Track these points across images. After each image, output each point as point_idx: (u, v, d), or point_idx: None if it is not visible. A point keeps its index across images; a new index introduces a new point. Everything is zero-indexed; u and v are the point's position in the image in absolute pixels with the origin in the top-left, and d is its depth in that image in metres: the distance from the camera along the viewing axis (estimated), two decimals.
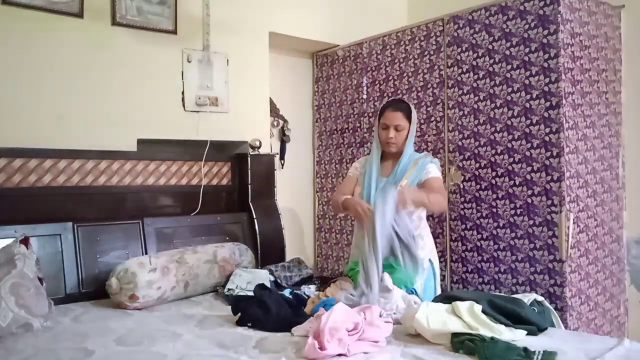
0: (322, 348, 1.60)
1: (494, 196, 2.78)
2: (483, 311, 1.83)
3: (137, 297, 2.26)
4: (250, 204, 3.17)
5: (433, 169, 2.44)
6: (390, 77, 3.35)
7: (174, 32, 3.05)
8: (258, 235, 3.11)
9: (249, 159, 3.18)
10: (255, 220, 3.13)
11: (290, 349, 1.70)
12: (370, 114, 3.48)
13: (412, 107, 2.54)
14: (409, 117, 2.46)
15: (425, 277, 2.41)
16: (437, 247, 3.03)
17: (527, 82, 2.65)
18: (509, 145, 2.72)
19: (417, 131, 3.14)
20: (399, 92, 3.28)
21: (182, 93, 3.09)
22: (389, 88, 3.36)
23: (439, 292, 2.49)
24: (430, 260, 2.46)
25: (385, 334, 1.77)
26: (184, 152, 3.10)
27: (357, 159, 2.77)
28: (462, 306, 1.83)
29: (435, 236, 3.04)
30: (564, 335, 1.93)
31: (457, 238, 2.95)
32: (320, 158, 3.86)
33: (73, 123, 2.72)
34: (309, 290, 2.46)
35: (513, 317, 1.86)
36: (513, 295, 2.35)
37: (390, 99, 3.07)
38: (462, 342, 1.66)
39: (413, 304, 2.00)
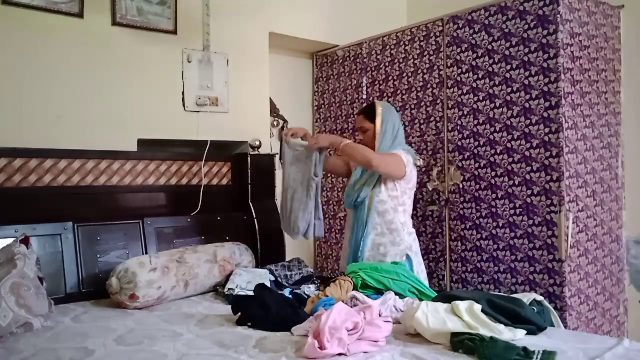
0: (322, 348, 1.60)
1: (494, 196, 2.78)
2: (483, 311, 1.83)
3: (138, 297, 2.26)
4: (250, 204, 3.17)
5: (397, 151, 2.56)
6: (390, 78, 3.35)
7: (174, 32, 3.05)
8: (258, 235, 3.12)
9: (249, 159, 3.18)
10: (255, 220, 3.13)
11: (290, 349, 1.70)
12: None
13: (380, 107, 2.64)
14: (371, 119, 2.62)
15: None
16: (436, 247, 3.05)
17: (526, 82, 2.66)
18: (509, 145, 2.73)
19: (417, 131, 3.15)
20: (399, 92, 3.28)
21: (183, 93, 3.10)
22: (389, 88, 3.36)
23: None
24: (407, 254, 2.56)
25: (385, 333, 1.77)
26: (184, 152, 3.10)
27: None
28: (462, 306, 1.83)
29: (435, 236, 3.06)
30: (564, 335, 1.93)
31: (456, 238, 2.96)
32: None
33: (73, 123, 2.73)
34: (309, 290, 2.47)
35: (513, 316, 1.86)
36: (513, 295, 2.36)
37: None
38: (462, 342, 1.67)
39: (412, 304, 2.00)
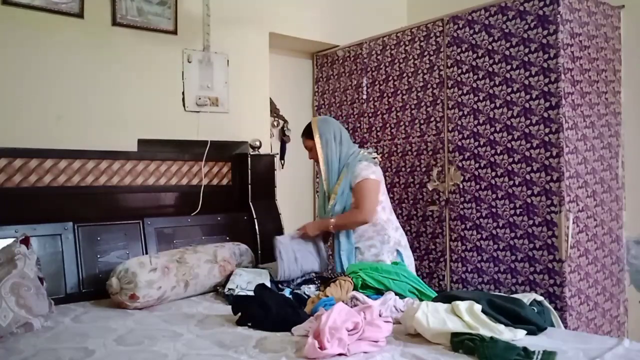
0: (322, 348, 1.60)
1: (494, 196, 2.78)
2: (483, 311, 1.83)
3: (138, 297, 2.26)
4: (250, 204, 3.17)
5: (359, 172, 2.58)
6: (390, 78, 3.35)
7: (174, 32, 3.05)
8: (258, 235, 3.12)
9: (249, 159, 3.18)
10: (255, 220, 3.13)
11: (290, 349, 1.70)
12: (370, 114, 3.49)
13: (315, 123, 2.70)
14: (311, 136, 2.70)
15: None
16: (436, 247, 3.06)
17: (526, 82, 2.66)
18: (509, 145, 2.73)
19: (417, 131, 3.16)
20: (399, 92, 3.28)
21: (183, 93, 3.10)
22: (388, 88, 3.36)
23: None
24: (397, 250, 2.61)
25: (385, 333, 1.77)
26: (184, 152, 3.10)
27: None
28: (462, 306, 1.83)
29: (435, 236, 3.07)
30: (564, 335, 1.93)
31: (457, 238, 2.96)
32: None
33: (73, 123, 2.73)
34: (309, 290, 2.46)
35: (513, 316, 1.86)
36: (513, 295, 2.36)
37: None
38: (462, 342, 1.67)
39: (412, 304, 2.00)
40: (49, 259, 2.43)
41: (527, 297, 2.42)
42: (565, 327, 2.48)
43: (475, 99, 2.87)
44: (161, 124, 3.01)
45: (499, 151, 2.77)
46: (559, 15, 2.55)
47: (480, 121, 2.85)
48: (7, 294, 1.91)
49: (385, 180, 3.32)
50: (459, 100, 2.95)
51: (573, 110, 2.60)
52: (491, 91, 2.80)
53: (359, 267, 2.41)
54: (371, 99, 3.49)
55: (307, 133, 2.74)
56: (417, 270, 3.07)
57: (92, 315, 2.21)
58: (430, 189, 3.07)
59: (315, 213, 3.89)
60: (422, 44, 3.15)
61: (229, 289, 2.46)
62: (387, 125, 3.36)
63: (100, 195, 2.76)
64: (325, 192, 2.71)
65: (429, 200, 3.09)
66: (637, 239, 2.95)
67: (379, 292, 2.27)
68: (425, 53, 3.13)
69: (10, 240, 2.20)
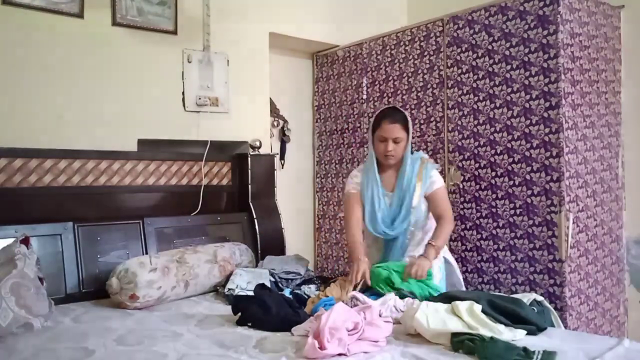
0: (322, 348, 1.60)
1: (494, 196, 2.78)
2: (483, 311, 1.83)
3: (138, 297, 2.26)
4: (250, 204, 3.17)
5: (437, 177, 2.39)
6: (390, 78, 3.35)
7: (174, 32, 3.05)
8: (258, 235, 3.12)
9: (249, 159, 3.18)
10: (255, 220, 3.13)
11: (290, 349, 1.70)
12: (370, 114, 3.48)
13: (408, 115, 2.43)
14: (406, 128, 2.35)
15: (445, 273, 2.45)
16: None
17: (526, 82, 2.66)
18: (509, 145, 2.73)
19: (417, 131, 3.16)
20: (399, 92, 3.28)
21: (183, 93, 3.10)
22: (389, 88, 3.36)
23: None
24: (444, 257, 2.47)
25: (385, 333, 1.77)
26: (184, 152, 3.10)
27: (354, 168, 2.72)
28: (462, 306, 1.83)
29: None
30: (564, 335, 1.93)
31: (456, 238, 2.96)
32: (320, 158, 3.87)
33: (73, 123, 2.73)
34: (309, 290, 2.46)
35: (513, 316, 1.86)
36: (513, 295, 2.36)
37: (385, 107, 2.65)
38: (462, 342, 1.67)
39: (412, 304, 2.00)
40: (49, 259, 2.43)
41: (527, 297, 2.41)
42: (565, 327, 2.48)
43: (475, 99, 2.87)
44: (161, 124, 3.01)
45: (499, 151, 2.77)
46: (559, 15, 2.55)
47: (480, 121, 2.85)
48: (7, 294, 1.91)
49: None
50: (459, 100, 2.95)
51: (573, 110, 2.60)
52: (491, 91, 2.80)
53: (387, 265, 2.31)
54: (371, 99, 3.49)
55: (405, 122, 2.34)
56: None
57: (92, 315, 2.21)
58: None
59: (315, 213, 3.89)
60: (422, 44, 3.15)
61: (229, 289, 2.46)
62: None
63: (100, 195, 2.76)
64: (392, 199, 2.36)
65: None
66: (637, 239, 2.95)
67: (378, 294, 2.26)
68: (425, 53, 3.13)
69: (10, 240, 2.20)
